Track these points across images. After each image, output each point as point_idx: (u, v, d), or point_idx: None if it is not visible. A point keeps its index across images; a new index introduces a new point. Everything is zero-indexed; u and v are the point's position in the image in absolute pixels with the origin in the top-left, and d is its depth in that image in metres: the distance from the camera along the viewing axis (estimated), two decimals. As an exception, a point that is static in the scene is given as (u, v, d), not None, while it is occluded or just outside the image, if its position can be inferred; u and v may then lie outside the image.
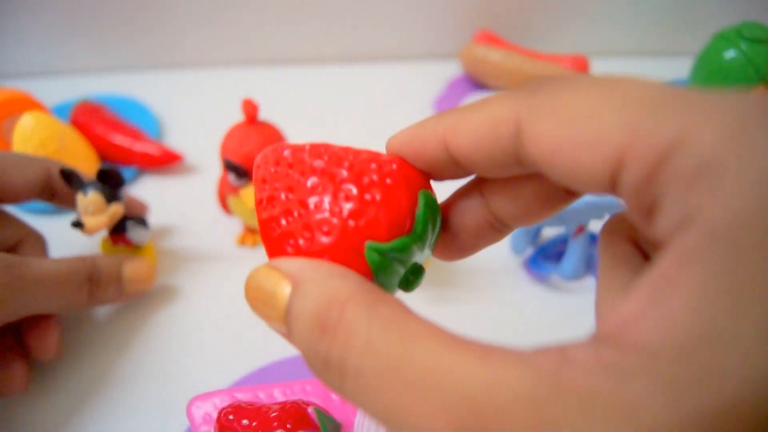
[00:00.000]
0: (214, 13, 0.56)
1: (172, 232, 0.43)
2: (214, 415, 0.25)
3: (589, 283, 0.39)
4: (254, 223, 0.39)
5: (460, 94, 0.54)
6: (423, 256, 0.17)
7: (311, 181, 0.15)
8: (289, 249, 0.15)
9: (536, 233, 0.41)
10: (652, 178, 0.12)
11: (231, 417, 0.25)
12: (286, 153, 0.16)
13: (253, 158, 0.35)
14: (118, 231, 0.35)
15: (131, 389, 0.33)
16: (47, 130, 0.42)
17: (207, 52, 0.59)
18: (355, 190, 0.15)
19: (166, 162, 0.47)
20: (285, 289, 0.14)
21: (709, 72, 0.49)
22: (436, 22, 0.58)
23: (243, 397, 0.26)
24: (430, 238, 0.16)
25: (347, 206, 0.15)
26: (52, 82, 0.57)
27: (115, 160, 0.47)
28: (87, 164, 0.45)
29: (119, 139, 0.47)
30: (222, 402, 0.26)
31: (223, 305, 0.38)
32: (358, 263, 0.15)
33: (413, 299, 0.38)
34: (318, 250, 0.15)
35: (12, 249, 0.33)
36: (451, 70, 0.57)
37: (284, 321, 0.14)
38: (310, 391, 0.27)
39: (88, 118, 0.48)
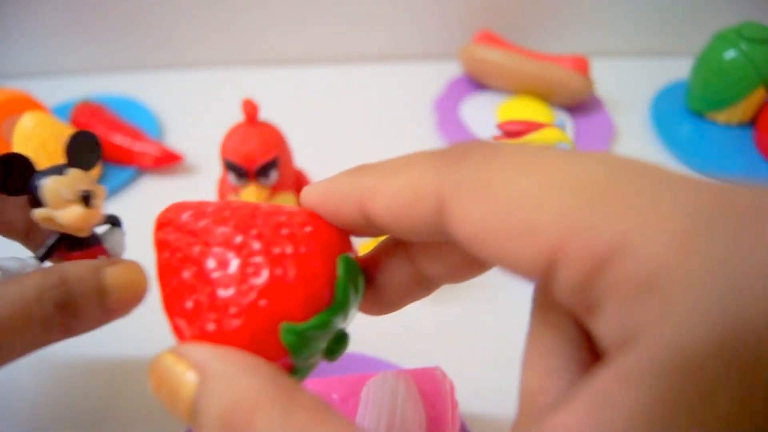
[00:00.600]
0: (214, 13, 0.56)
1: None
2: None
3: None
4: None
5: (459, 95, 0.54)
6: (347, 321, 0.15)
7: (216, 253, 0.13)
8: (194, 331, 0.14)
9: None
10: (590, 283, 0.11)
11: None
12: (186, 217, 0.15)
13: (253, 158, 0.35)
14: (85, 243, 0.23)
15: (131, 390, 0.33)
16: (47, 131, 0.42)
17: (207, 52, 0.59)
18: (265, 265, 0.13)
19: (166, 162, 0.47)
20: (191, 380, 0.13)
21: (709, 72, 0.49)
22: (436, 22, 0.58)
23: None
24: (353, 303, 0.15)
25: (257, 283, 0.13)
26: (53, 82, 0.57)
27: (115, 161, 0.47)
28: (87, 164, 0.45)
29: (119, 140, 0.47)
30: None
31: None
32: (273, 345, 0.13)
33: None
34: (227, 333, 0.13)
35: (26, 235, 0.25)
36: (451, 70, 0.57)
37: (189, 414, 0.13)
38: (311, 388, 0.27)
39: (88, 118, 0.48)
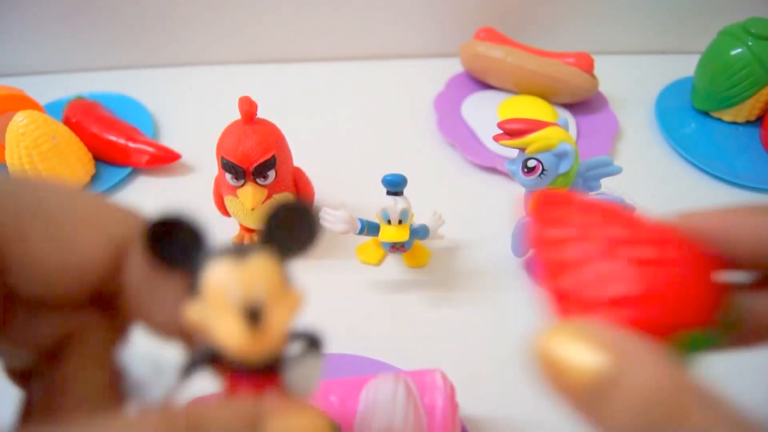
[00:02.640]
0: (211, 10, 0.55)
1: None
2: None
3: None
4: (251, 223, 0.38)
5: (460, 93, 0.54)
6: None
7: (623, 248, 0.14)
8: (582, 309, 0.14)
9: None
10: None
11: None
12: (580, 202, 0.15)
13: (251, 157, 0.34)
14: (255, 370, 0.15)
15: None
16: (40, 129, 0.41)
17: (204, 49, 0.58)
18: (668, 266, 0.13)
19: (162, 161, 0.46)
20: (601, 362, 0.13)
21: (715, 70, 0.48)
22: (437, 19, 0.58)
23: None
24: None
25: (656, 280, 0.13)
26: (47, 80, 0.57)
27: (110, 160, 0.46)
28: (81, 163, 0.44)
29: (114, 138, 0.46)
30: None
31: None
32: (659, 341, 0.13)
33: (414, 302, 0.38)
34: (625, 319, 0.13)
35: (51, 355, 0.15)
36: (452, 68, 0.57)
37: (590, 396, 0.13)
38: None
39: (81, 116, 0.47)
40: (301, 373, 0.15)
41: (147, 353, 0.15)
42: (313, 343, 0.16)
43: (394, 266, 0.40)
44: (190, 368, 0.14)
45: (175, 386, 0.15)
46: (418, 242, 0.40)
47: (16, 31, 0.55)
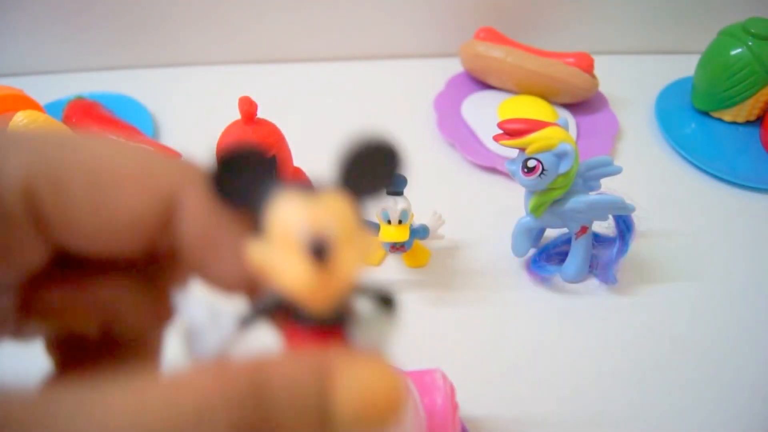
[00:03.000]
0: (211, 10, 0.55)
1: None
2: None
3: (591, 284, 0.38)
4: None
5: (460, 93, 0.54)
6: None
7: None
8: None
9: (538, 235, 0.41)
10: None
11: None
12: None
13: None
14: (321, 321, 0.13)
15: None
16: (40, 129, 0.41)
17: (203, 49, 0.58)
18: None
19: (162, 161, 0.46)
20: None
21: (715, 70, 0.48)
22: (437, 20, 0.57)
23: None
24: None
25: None
26: (47, 80, 0.57)
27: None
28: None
29: (114, 138, 0.46)
30: None
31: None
32: None
33: (414, 302, 0.38)
34: None
35: (105, 327, 0.15)
36: (452, 68, 0.57)
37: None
38: None
39: (82, 116, 0.47)
40: (371, 333, 0.14)
41: (204, 300, 0.13)
42: (385, 301, 0.14)
43: (394, 266, 0.40)
44: (250, 318, 0.13)
45: (234, 338, 0.13)
46: (418, 242, 0.40)
47: (16, 31, 0.55)
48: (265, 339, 0.13)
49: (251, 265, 0.12)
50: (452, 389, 0.27)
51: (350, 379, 0.12)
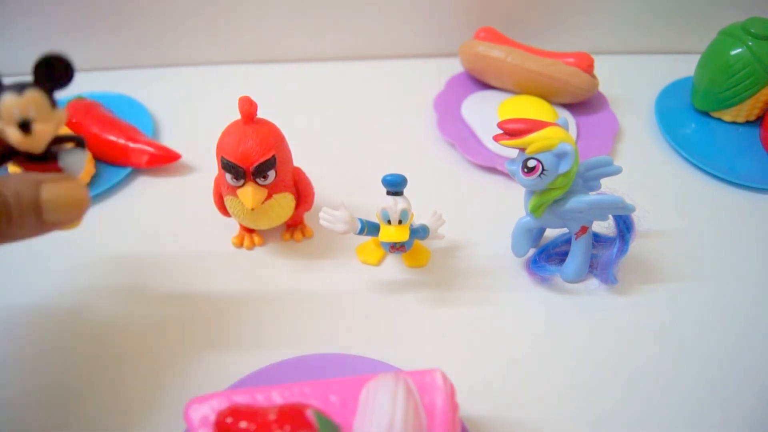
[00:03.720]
0: (211, 10, 0.55)
1: (167, 234, 0.42)
2: (212, 418, 0.25)
3: (591, 284, 0.38)
4: (251, 224, 0.38)
5: (460, 93, 0.54)
6: None
7: None
8: None
9: (538, 235, 0.41)
10: None
11: (229, 420, 0.24)
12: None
13: (251, 157, 0.34)
14: (43, 158, 0.26)
15: (129, 391, 0.33)
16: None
17: (203, 49, 0.58)
18: None
19: (162, 161, 0.46)
20: None
21: (715, 70, 0.48)
22: (437, 20, 0.57)
23: (241, 399, 0.26)
24: None
25: None
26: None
27: (110, 160, 0.46)
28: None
29: (114, 138, 0.46)
30: (220, 404, 0.26)
31: (220, 307, 0.37)
32: None
33: (414, 302, 0.38)
34: None
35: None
36: (452, 68, 0.57)
37: None
38: (309, 393, 0.26)
39: (82, 116, 0.47)
40: (71, 161, 0.26)
41: None
42: (78, 143, 0.26)
43: (394, 266, 0.40)
44: (1, 160, 0.26)
45: None
46: (418, 242, 0.40)
47: (16, 31, 0.55)
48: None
49: None
50: (452, 389, 0.27)
51: (53, 186, 0.25)
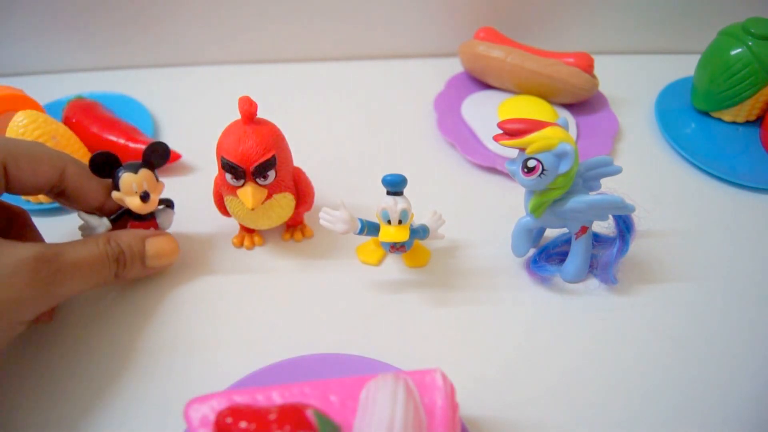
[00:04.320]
0: (211, 10, 0.55)
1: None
2: (212, 418, 0.25)
3: (591, 284, 0.38)
4: (251, 223, 0.38)
5: (460, 93, 0.54)
6: None
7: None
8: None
9: (538, 235, 0.41)
10: None
11: (229, 420, 0.24)
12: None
13: (251, 157, 0.34)
14: (143, 218, 0.37)
15: (129, 391, 0.33)
16: (40, 129, 0.41)
17: (203, 49, 0.58)
18: None
19: (162, 161, 0.46)
20: None
21: (715, 70, 0.48)
22: (437, 20, 0.58)
23: (241, 399, 0.26)
24: None
25: None
26: (47, 80, 0.57)
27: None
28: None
29: (114, 138, 0.46)
30: (220, 404, 0.26)
31: (220, 307, 0.37)
32: None
33: (414, 302, 0.38)
34: None
35: (4, 231, 0.34)
36: (452, 68, 0.57)
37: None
38: (309, 394, 0.26)
39: (81, 116, 0.47)
40: (164, 218, 0.38)
41: (94, 215, 0.36)
42: (170, 204, 0.39)
43: (394, 266, 0.40)
44: (116, 218, 0.36)
45: (110, 227, 0.36)
46: (418, 242, 0.40)
47: (16, 31, 0.55)
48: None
49: (115, 198, 0.35)
50: (452, 389, 0.27)
51: (153, 240, 0.35)
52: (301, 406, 0.25)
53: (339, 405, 0.26)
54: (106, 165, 0.34)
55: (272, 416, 0.24)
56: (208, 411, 0.25)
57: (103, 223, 0.36)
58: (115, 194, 0.35)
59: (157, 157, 0.36)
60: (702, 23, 0.56)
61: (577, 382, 0.34)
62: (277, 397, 0.26)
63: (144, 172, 0.35)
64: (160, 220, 0.38)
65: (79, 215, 0.36)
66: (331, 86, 0.56)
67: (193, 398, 0.26)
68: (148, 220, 0.37)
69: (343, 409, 0.26)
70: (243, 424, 0.24)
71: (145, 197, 0.35)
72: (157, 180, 0.36)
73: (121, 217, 0.37)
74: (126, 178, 0.34)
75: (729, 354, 0.35)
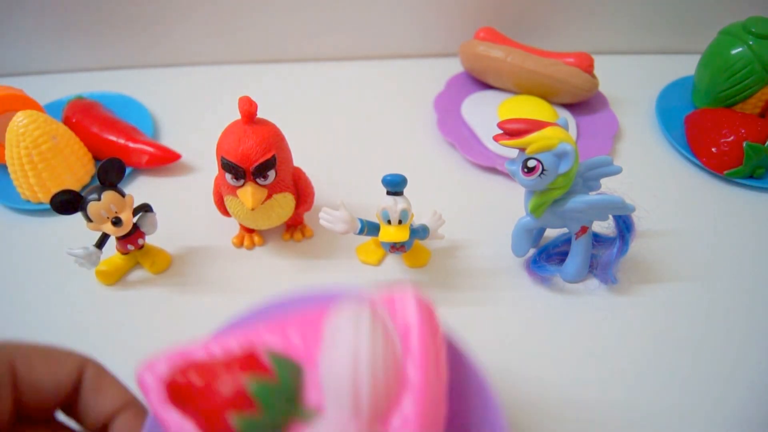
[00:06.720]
0: (211, 10, 0.55)
1: (167, 234, 0.42)
2: (165, 377, 0.23)
3: (591, 284, 0.38)
4: (251, 224, 0.38)
5: (460, 93, 0.54)
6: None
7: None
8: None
9: (538, 235, 0.41)
10: None
11: (181, 377, 0.23)
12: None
13: (251, 157, 0.34)
14: (127, 234, 0.37)
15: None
16: (40, 129, 0.41)
17: (203, 49, 0.58)
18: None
19: (162, 161, 0.46)
20: None
21: (715, 69, 0.48)
22: (437, 20, 0.57)
23: (197, 354, 0.24)
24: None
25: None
26: (47, 80, 0.57)
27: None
28: (81, 163, 0.44)
29: (114, 138, 0.46)
30: (173, 363, 0.23)
31: (220, 307, 0.37)
32: None
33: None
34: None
35: (105, 422, 0.25)
36: (452, 68, 0.57)
37: None
38: (268, 335, 0.23)
39: (81, 116, 0.47)
40: (147, 224, 0.38)
41: (81, 246, 0.37)
42: (147, 208, 0.38)
43: (394, 266, 0.40)
44: (99, 244, 0.37)
45: (98, 253, 0.37)
46: (418, 242, 0.40)
47: (16, 31, 0.55)
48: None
49: (92, 229, 0.35)
50: (430, 309, 0.24)
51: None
52: (253, 349, 0.23)
53: (301, 342, 0.23)
54: (68, 203, 0.34)
55: (223, 366, 0.22)
56: (163, 370, 0.23)
57: (90, 251, 0.36)
58: (89, 225, 0.35)
59: (113, 175, 0.35)
60: (702, 23, 0.56)
61: (577, 381, 0.34)
62: (234, 345, 0.23)
63: (107, 195, 0.34)
64: (144, 227, 0.37)
65: (67, 251, 0.36)
66: (332, 86, 0.56)
67: (146, 362, 0.24)
68: (133, 233, 0.37)
69: (306, 346, 0.23)
70: (194, 378, 0.22)
71: (116, 222, 0.34)
72: (123, 195, 0.35)
73: (105, 241, 0.37)
74: (92, 207, 0.34)
75: (729, 353, 0.35)
